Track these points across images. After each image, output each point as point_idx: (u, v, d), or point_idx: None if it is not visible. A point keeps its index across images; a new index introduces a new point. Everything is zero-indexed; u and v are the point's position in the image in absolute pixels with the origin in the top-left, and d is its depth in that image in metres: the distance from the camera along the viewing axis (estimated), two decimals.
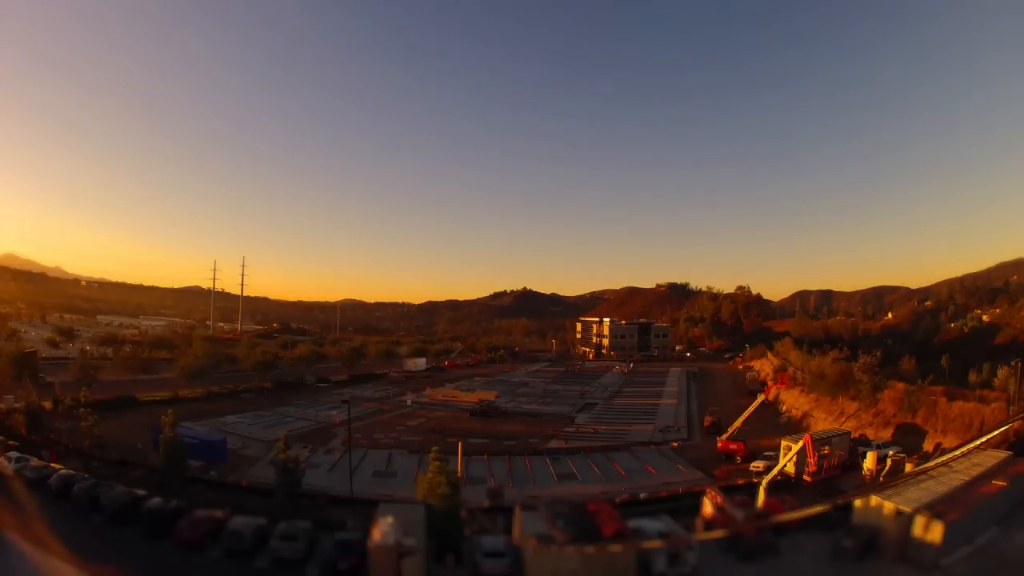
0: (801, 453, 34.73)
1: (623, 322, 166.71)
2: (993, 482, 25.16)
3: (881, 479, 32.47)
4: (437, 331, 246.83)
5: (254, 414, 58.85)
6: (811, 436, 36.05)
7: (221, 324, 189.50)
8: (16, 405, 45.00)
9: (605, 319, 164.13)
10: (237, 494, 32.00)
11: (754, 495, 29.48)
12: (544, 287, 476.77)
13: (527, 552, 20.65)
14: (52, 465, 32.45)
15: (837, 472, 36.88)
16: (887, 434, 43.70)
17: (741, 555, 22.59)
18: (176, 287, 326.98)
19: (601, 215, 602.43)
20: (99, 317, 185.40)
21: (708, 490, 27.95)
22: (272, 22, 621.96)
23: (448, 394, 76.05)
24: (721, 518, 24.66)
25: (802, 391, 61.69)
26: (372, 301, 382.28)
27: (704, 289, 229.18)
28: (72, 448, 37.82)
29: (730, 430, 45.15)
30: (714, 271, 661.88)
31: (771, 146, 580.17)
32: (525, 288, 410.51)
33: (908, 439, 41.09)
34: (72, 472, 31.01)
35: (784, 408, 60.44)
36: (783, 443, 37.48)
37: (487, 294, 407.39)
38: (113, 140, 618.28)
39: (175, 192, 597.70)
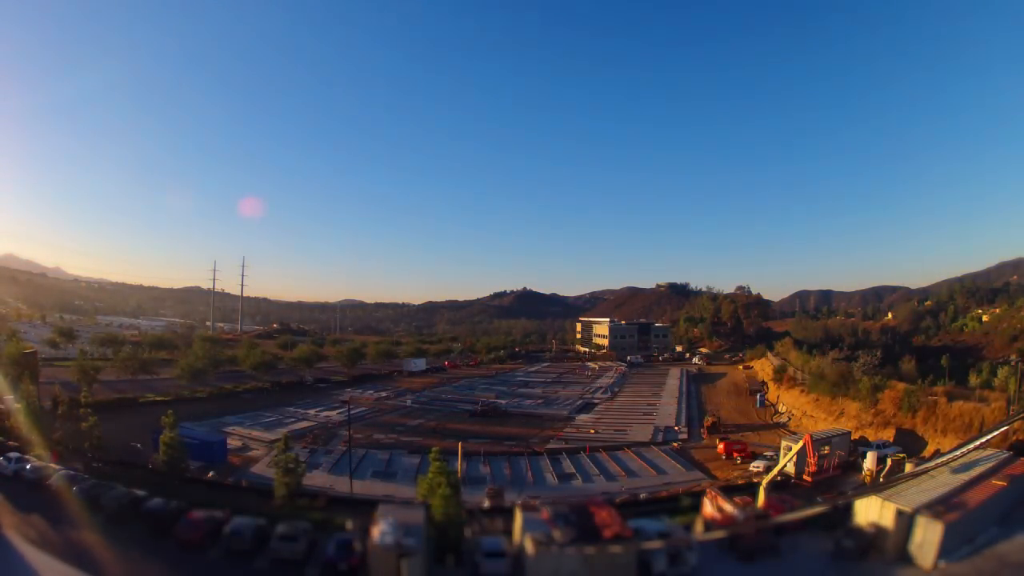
0: (801, 453, 34.73)
1: (623, 322, 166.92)
2: (993, 482, 25.17)
3: (881, 479, 32.46)
4: (437, 331, 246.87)
5: (254, 414, 58.83)
6: (811, 436, 36.07)
7: (221, 324, 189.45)
8: (16, 405, 44.89)
9: (605, 319, 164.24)
10: (237, 494, 31.98)
11: (754, 495, 29.51)
12: (544, 287, 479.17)
13: (527, 552, 20.64)
14: (52, 465, 32.40)
15: (837, 472, 36.89)
16: (887, 434, 43.68)
17: (741, 555, 22.60)
18: (176, 287, 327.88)
19: (601, 215, 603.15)
20: (99, 317, 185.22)
21: (708, 490, 28.02)
22: (273, 22, 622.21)
23: (447, 394, 75.98)
24: (721, 518, 24.68)
25: (802, 391, 61.70)
26: (372, 301, 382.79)
27: (704, 289, 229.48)
28: (72, 448, 37.77)
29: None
30: (714, 271, 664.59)
31: (771, 146, 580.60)
32: (525, 288, 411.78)
33: (908, 439, 41.09)
34: (72, 472, 30.99)
35: (784, 408, 60.43)
36: (783, 443, 37.56)
37: (487, 294, 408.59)
38: (113, 140, 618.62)
39: (175, 192, 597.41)
